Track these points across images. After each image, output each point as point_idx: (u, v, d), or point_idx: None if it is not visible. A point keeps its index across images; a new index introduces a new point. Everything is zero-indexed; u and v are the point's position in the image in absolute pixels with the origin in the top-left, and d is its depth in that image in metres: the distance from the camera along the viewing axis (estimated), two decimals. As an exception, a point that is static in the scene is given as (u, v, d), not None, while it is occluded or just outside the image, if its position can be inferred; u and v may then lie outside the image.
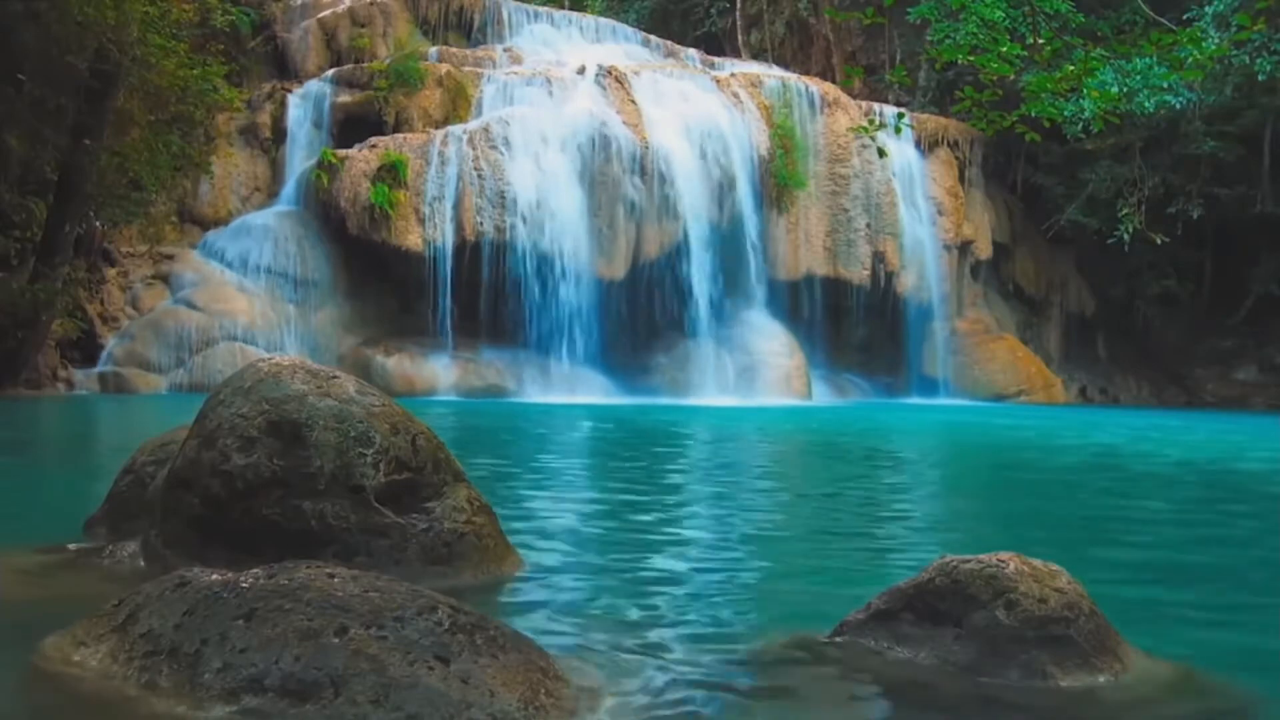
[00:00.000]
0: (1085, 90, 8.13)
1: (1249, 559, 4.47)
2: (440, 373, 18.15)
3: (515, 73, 20.76)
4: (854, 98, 23.41)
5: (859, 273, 22.08)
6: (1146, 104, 19.85)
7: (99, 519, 3.74)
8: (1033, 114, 8.10)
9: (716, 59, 24.92)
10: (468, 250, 18.45)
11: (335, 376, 3.29)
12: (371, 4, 22.00)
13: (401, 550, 3.10)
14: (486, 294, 18.60)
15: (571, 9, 28.72)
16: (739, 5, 29.81)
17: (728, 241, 20.42)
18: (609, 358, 19.57)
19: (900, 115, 9.58)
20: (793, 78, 22.93)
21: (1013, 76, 9.40)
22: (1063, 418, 17.05)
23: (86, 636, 2.25)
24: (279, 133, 20.03)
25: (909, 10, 22.57)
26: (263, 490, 3.04)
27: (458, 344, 18.59)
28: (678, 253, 19.76)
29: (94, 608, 2.34)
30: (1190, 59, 7.00)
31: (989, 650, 2.38)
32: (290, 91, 20.43)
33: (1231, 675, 2.55)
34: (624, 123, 19.65)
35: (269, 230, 18.66)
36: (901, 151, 22.16)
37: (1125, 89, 18.21)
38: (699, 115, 20.46)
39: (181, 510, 3.15)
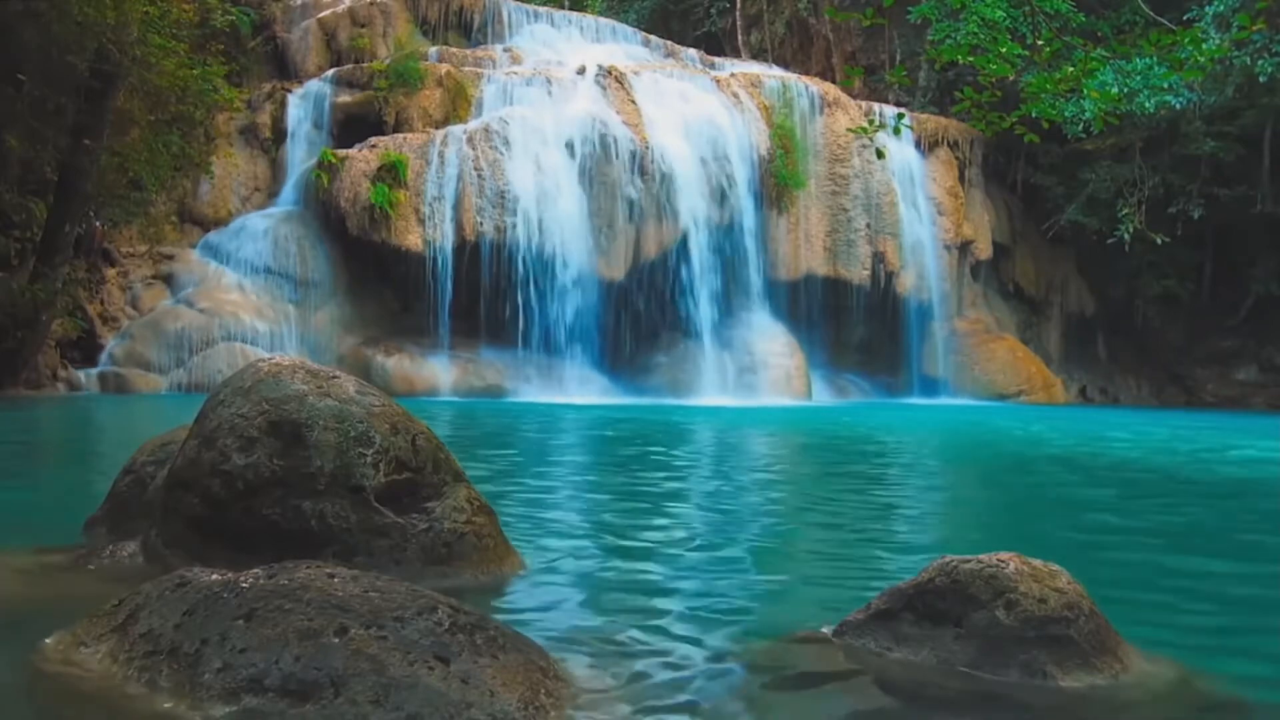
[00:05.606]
0: (1085, 90, 8.13)
1: (1250, 559, 4.47)
2: (440, 373, 18.14)
3: (515, 73, 20.75)
4: (854, 98, 23.39)
5: (859, 273, 22.07)
6: (1146, 104, 19.85)
7: (99, 519, 3.74)
8: (1033, 114, 8.08)
9: (716, 59, 24.92)
10: (467, 250, 18.45)
11: (335, 376, 3.29)
12: (371, 4, 22.01)
13: (401, 550, 3.10)
14: (486, 294, 18.58)
15: (571, 9, 28.72)
16: (739, 5, 29.81)
17: (728, 242, 20.41)
18: (609, 358, 19.58)
19: (900, 115, 9.56)
20: (793, 78, 22.92)
21: (1013, 77, 9.40)
22: (1062, 417, 17.04)
23: (86, 636, 2.25)
24: (279, 133, 20.03)
25: (909, 10, 22.57)
26: (263, 490, 3.04)
27: (457, 344, 18.58)
28: (678, 253, 19.74)
29: (94, 608, 2.34)
30: (1190, 59, 7.00)
31: (989, 650, 2.38)
32: (290, 91, 20.44)
33: (1231, 675, 2.55)
34: (624, 123, 19.64)
35: (269, 230, 18.66)
36: (901, 151, 22.16)
37: (1125, 89, 18.21)
38: (699, 115, 20.45)
39: (181, 510, 3.15)
